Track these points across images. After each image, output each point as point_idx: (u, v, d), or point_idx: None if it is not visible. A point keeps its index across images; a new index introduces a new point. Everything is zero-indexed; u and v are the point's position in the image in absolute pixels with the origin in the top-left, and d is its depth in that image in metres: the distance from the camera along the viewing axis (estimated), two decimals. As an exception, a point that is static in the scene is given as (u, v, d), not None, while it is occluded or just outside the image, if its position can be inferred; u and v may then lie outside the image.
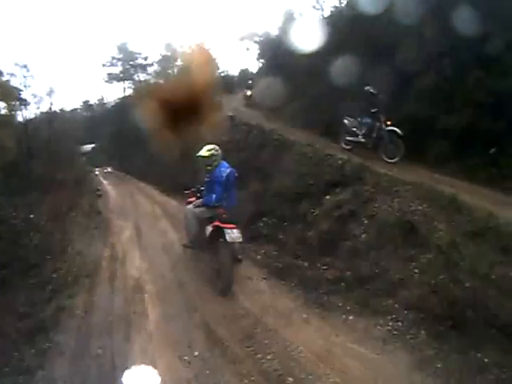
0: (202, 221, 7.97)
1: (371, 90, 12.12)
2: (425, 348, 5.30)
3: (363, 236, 7.97)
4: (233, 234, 7.20)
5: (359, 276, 6.94)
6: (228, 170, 7.88)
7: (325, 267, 7.63)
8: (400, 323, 5.82)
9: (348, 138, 12.91)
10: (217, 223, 7.39)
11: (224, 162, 8.03)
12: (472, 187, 9.16)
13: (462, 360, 4.99)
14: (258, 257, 8.77)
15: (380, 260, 7.09)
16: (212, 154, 7.96)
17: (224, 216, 7.41)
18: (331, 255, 7.87)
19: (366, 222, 8.26)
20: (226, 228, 7.24)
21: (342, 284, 6.97)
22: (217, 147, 8.05)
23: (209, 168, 7.96)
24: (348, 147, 12.80)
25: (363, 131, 12.43)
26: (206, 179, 8.08)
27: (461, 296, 5.64)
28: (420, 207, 7.95)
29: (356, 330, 5.88)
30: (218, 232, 7.33)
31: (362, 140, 12.44)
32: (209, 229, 7.61)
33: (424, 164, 10.52)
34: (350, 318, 6.19)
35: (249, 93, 23.71)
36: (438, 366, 4.99)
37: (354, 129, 12.70)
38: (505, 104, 9.41)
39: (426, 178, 9.27)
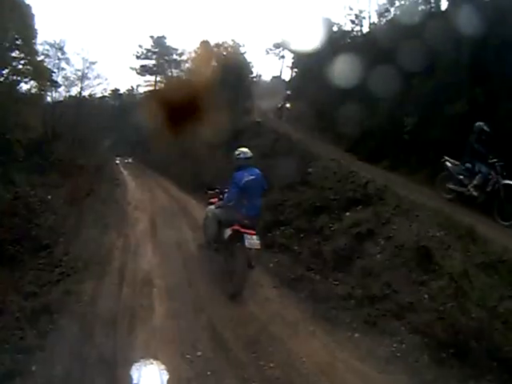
0: (222, 222, 7.93)
1: (485, 128, 9.99)
2: (426, 372, 5.28)
3: (378, 256, 7.91)
4: (252, 240, 7.15)
5: (370, 295, 6.90)
6: (252, 177, 7.62)
7: (336, 282, 7.60)
8: (404, 345, 5.80)
9: (451, 187, 10.61)
10: (237, 227, 7.31)
11: (254, 169, 7.82)
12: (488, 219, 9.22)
13: (460, 388, 4.97)
14: (271, 265, 8.73)
15: (392, 282, 7.03)
16: (252, 157, 7.92)
17: (245, 221, 7.31)
18: (344, 271, 7.84)
19: (382, 242, 8.18)
20: (246, 233, 7.18)
21: (352, 301, 6.92)
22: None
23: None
24: (449, 196, 10.65)
25: (475, 182, 10.01)
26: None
27: (467, 325, 5.60)
28: (438, 234, 7.87)
29: (360, 348, 5.86)
30: (238, 236, 7.27)
31: (473, 193, 10.02)
32: (228, 232, 7.53)
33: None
34: (356, 335, 6.16)
35: (288, 104, 22.28)
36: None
37: (461, 177, 10.35)
38: None
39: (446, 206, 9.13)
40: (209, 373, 5.16)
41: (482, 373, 5.05)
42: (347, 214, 9.42)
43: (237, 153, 7.90)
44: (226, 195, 8.05)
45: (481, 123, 9.99)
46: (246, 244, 7.08)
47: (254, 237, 7.22)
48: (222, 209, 8.09)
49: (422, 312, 6.24)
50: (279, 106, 22.93)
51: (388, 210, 8.98)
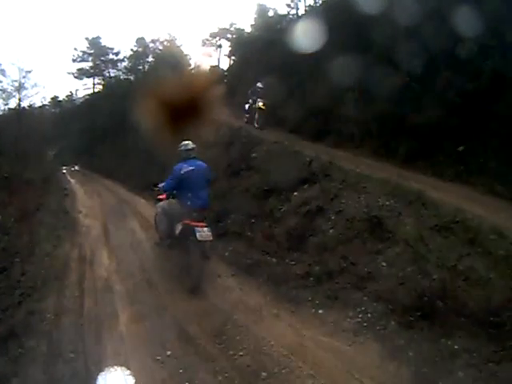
0: (172, 218, 7.96)
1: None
2: (396, 338, 5.41)
3: (330, 231, 8.07)
4: (203, 233, 7.25)
5: (327, 270, 6.99)
6: (191, 168, 7.74)
7: (293, 263, 7.68)
8: (370, 315, 5.91)
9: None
10: (187, 221, 7.40)
11: (197, 161, 7.96)
12: (439, 183, 9.36)
13: (433, 348, 5.12)
14: (226, 254, 8.79)
15: (348, 254, 7.19)
16: (193, 148, 8.02)
17: (194, 214, 7.42)
18: (299, 251, 7.93)
19: (333, 217, 8.36)
20: (197, 226, 7.28)
21: (311, 279, 7.01)
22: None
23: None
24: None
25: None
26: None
27: (429, 287, 5.77)
28: (387, 203, 8.08)
29: (326, 323, 5.97)
30: (189, 230, 7.33)
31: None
32: (179, 226, 7.58)
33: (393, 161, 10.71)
34: (320, 311, 6.27)
35: (260, 103, 17.55)
36: (410, 354, 5.11)
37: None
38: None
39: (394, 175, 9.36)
40: (181, 370, 5.21)
41: (451, 330, 5.21)
42: (295, 193, 9.55)
43: (180, 145, 7.98)
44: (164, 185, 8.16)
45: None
46: (198, 237, 7.18)
47: (205, 229, 7.33)
48: (170, 204, 8.18)
49: (382, 280, 6.38)
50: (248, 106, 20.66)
51: (335, 185, 9.12)
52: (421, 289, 5.80)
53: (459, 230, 6.84)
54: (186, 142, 7.98)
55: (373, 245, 7.16)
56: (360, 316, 5.95)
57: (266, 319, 6.23)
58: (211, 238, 7.44)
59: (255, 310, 6.50)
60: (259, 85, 18.05)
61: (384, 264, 6.68)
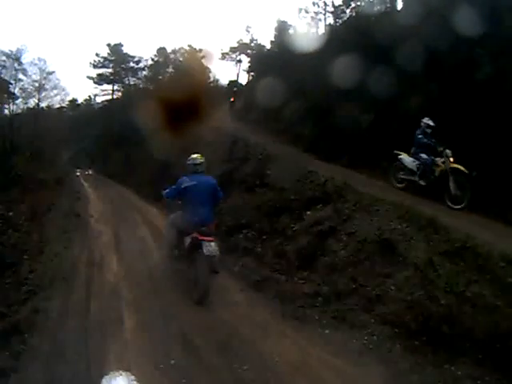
0: (180, 230, 8.00)
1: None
2: (400, 361, 5.40)
3: (342, 252, 8.05)
4: (210, 247, 7.25)
5: (336, 291, 7.04)
6: (193, 183, 7.85)
7: (302, 281, 7.71)
8: (375, 337, 5.92)
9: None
10: (195, 235, 7.42)
11: (203, 176, 8.09)
12: (451, 210, 9.46)
13: (436, 373, 5.10)
14: (236, 269, 8.83)
15: (357, 276, 7.20)
16: (201, 163, 8.12)
17: (203, 228, 7.45)
18: (309, 270, 7.98)
19: (344, 238, 8.34)
20: (204, 240, 7.30)
21: (319, 298, 7.04)
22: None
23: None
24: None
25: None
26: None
27: (436, 312, 5.76)
28: (399, 226, 8.05)
29: (332, 343, 5.94)
30: (196, 244, 7.37)
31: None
32: (187, 240, 7.62)
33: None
34: (327, 331, 6.25)
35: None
36: (414, 378, 5.09)
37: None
38: None
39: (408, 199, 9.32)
40: (184, 380, 5.15)
41: (456, 356, 5.21)
42: (308, 213, 9.56)
43: (188, 159, 8.14)
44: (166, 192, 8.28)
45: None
46: (204, 251, 7.19)
47: (213, 243, 7.33)
48: (179, 216, 8.21)
49: (390, 303, 6.39)
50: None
51: (348, 206, 9.14)
52: (428, 313, 5.80)
53: (469, 255, 6.82)
54: (195, 156, 8.15)
55: (383, 267, 7.17)
56: (366, 338, 5.96)
57: (272, 335, 6.20)
58: (218, 253, 7.39)
59: (262, 325, 6.49)
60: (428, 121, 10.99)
61: (393, 288, 6.67)
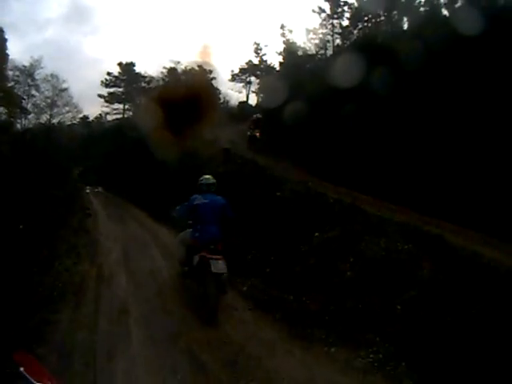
0: (189, 248, 8.18)
1: None
2: (404, 380, 5.41)
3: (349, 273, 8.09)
4: (218, 265, 7.38)
5: (343, 310, 7.06)
6: (204, 201, 8.07)
7: (309, 301, 7.72)
8: (381, 355, 5.92)
9: None
10: (203, 253, 7.56)
11: (214, 195, 8.26)
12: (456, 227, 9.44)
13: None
14: (245, 288, 8.85)
15: (364, 295, 7.26)
16: (213, 183, 8.40)
17: (212, 246, 7.60)
18: (316, 290, 7.97)
19: (352, 259, 8.39)
20: (212, 259, 7.43)
21: (326, 317, 7.04)
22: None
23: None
24: None
25: None
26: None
27: (441, 332, 5.82)
28: (406, 246, 8.13)
29: (338, 361, 5.96)
30: (205, 262, 7.48)
31: None
32: (196, 258, 7.74)
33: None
34: (333, 349, 6.26)
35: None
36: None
37: None
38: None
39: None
40: (190, 396, 5.24)
41: (462, 376, 5.16)
42: (316, 234, 9.61)
43: (200, 179, 8.41)
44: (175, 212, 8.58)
45: None
46: (212, 269, 7.31)
47: (220, 262, 7.47)
48: (187, 234, 8.47)
49: (396, 322, 6.43)
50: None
51: (356, 227, 9.20)
52: (433, 333, 5.85)
53: (476, 274, 6.87)
54: (208, 177, 8.45)
55: (389, 287, 7.22)
56: (371, 356, 5.96)
57: (278, 354, 6.22)
58: (226, 271, 7.52)
59: (269, 344, 6.50)
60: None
61: (399, 307, 6.73)
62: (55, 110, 29.68)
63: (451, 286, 6.68)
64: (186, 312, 7.87)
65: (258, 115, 22.93)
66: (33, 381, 2.17)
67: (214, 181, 8.41)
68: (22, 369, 2.23)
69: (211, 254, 7.51)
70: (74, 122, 36.63)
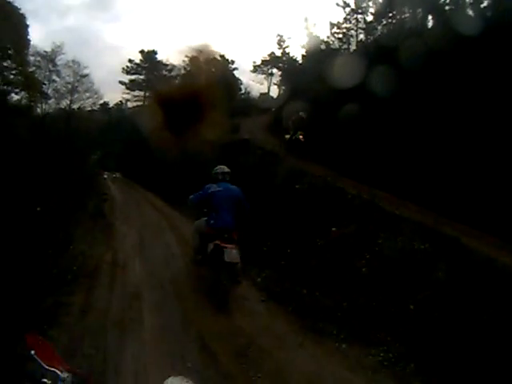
0: (204, 236, 8.16)
1: None
2: (413, 380, 5.38)
3: (364, 269, 8.03)
4: (231, 255, 7.39)
5: (356, 307, 7.02)
6: (219, 189, 8.16)
7: (323, 296, 7.66)
8: (391, 355, 5.88)
9: None
10: (217, 241, 7.57)
11: (228, 184, 8.35)
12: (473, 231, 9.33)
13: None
14: (259, 280, 8.84)
15: (378, 293, 7.21)
16: (229, 172, 8.50)
17: (226, 235, 7.65)
18: (331, 284, 7.91)
19: (368, 256, 8.33)
20: (226, 247, 7.45)
21: (339, 313, 6.98)
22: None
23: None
24: None
25: None
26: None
27: (453, 334, 5.76)
28: (422, 246, 8.07)
29: (348, 358, 5.93)
30: (218, 250, 7.49)
31: None
32: (210, 246, 7.71)
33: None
34: (343, 346, 6.22)
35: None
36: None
37: None
38: None
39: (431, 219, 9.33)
40: (199, 384, 5.21)
41: (471, 378, 5.13)
42: (333, 228, 9.55)
43: (215, 168, 8.54)
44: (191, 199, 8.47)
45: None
46: (226, 258, 7.33)
47: (234, 251, 7.48)
48: (202, 222, 8.40)
49: (408, 322, 6.36)
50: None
51: (373, 224, 9.14)
52: (445, 336, 5.79)
53: (489, 277, 6.83)
54: (223, 166, 8.54)
55: (403, 286, 7.15)
56: (381, 355, 5.93)
57: (289, 347, 6.19)
58: (238, 261, 7.54)
59: (280, 336, 6.49)
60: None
61: (412, 307, 6.66)
62: (76, 96, 29.81)
63: (465, 289, 6.61)
64: (198, 300, 7.87)
65: (302, 113, 17.80)
66: (43, 364, 2.12)
67: (229, 170, 8.49)
68: (32, 352, 2.18)
69: (225, 242, 7.53)
70: (95, 108, 36.66)
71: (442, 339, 5.75)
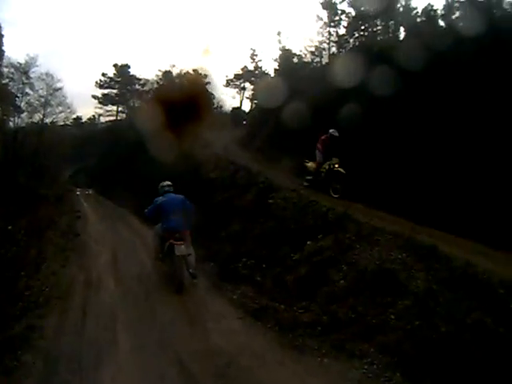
0: (161, 238, 9.95)
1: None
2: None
3: (341, 282, 7.99)
4: (180, 249, 9.25)
5: (336, 320, 6.93)
6: (164, 199, 10.15)
7: (301, 311, 7.59)
8: (375, 366, 5.81)
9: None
10: (171, 240, 9.40)
11: (173, 194, 10.33)
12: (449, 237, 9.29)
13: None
14: (235, 297, 8.74)
15: (357, 305, 7.12)
16: (170, 185, 10.58)
17: (177, 235, 9.43)
18: (308, 299, 7.86)
19: (344, 268, 8.29)
20: (176, 244, 9.27)
21: (319, 328, 6.90)
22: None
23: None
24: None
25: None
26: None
27: (437, 341, 5.71)
28: (399, 256, 8.07)
29: (331, 373, 5.82)
30: (171, 247, 9.34)
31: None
32: (166, 244, 9.56)
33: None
34: (325, 360, 6.13)
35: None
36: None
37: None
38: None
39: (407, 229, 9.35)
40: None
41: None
42: (308, 242, 9.53)
43: (161, 184, 10.67)
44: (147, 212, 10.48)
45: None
46: (176, 252, 9.21)
47: (182, 246, 9.32)
48: (159, 227, 10.20)
49: (390, 332, 6.29)
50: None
51: (349, 236, 9.13)
52: (428, 342, 5.76)
53: (469, 283, 6.80)
54: (165, 183, 10.64)
55: (383, 297, 7.09)
56: (365, 367, 5.84)
57: (270, 365, 6.08)
58: (190, 252, 9.52)
59: (260, 354, 6.35)
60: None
61: (392, 317, 6.60)
62: (48, 110, 29.45)
63: (445, 296, 6.60)
64: (174, 318, 7.82)
65: (333, 131, 13.83)
66: None
67: (171, 183, 10.62)
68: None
69: (176, 240, 9.34)
70: (67, 122, 36.32)
71: (426, 346, 5.70)
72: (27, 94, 28.46)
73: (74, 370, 5.89)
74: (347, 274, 8.08)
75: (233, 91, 47.82)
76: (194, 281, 9.48)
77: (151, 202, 10.41)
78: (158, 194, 10.48)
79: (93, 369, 5.97)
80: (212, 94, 36.06)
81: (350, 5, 33.03)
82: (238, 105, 46.11)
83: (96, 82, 47.24)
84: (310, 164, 14.49)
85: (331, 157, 13.56)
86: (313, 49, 34.42)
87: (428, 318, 6.20)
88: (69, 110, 32.49)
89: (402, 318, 6.44)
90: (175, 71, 39.85)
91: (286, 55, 34.94)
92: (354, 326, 6.71)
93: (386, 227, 9.38)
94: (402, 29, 28.73)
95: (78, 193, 29.82)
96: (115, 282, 10.10)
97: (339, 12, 34.00)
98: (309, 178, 14.29)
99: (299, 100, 18.60)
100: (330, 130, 13.82)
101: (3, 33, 24.97)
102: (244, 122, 27.90)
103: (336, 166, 13.27)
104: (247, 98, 47.31)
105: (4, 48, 25.70)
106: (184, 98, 17.95)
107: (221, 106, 41.18)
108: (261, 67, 46.73)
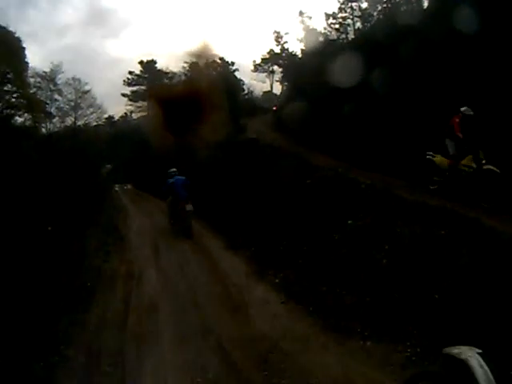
0: (173, 206, 14.43)
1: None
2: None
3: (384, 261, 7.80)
4: (189, 206, 13.61)
5: (379, 302, 6.75)
6: (172, 180, 14.55)
7: (344, 292, 7.43)
8: (419, 349, 5.62)
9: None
10: (181, 203, 13.76)
11: (178, 176, 14.66)
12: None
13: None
14: (277, 280, 8.67)
15: (400, 286, 6.90)
16: (175, 171, 15.03)
17: (183, 202, 13.68)
18: (351, 280, 7.66)
19: (387, 247, 8.09)
20: (186, 205, 13.61)
21: (361, 309, 6.75)
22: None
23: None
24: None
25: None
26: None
27: (484, 323, 5.44)
28: (443, 232, 7.82)
29: (374, 356, 5.70)
30: (182, 207, 13.65)
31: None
32: (177, 207, 13.97)
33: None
34: (368, 343, 5.99)
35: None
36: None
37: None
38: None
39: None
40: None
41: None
42: (349, 221, 9.36)
43: (169, 170, 15.05)
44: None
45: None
46: (187, 208, 13.50)
47: (190, 205, 13.65)
48: (170, 199, 14.67)
49: (433, 314, 6.06)
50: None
51: (389, 213, 8.92)
52: (474, 324, 5.48)
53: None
54: (172, 169, 15.05)
55: (426, 276, 6.85)
56: (409, 350, 5.66)
57: (312, 349, 5.98)
58: (192, 209, 13.61)
59: (302, 338, 6.27)
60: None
61: (437, 296, 6.37)
62: (79, 112, 29.78)
63: (489, 272, 6.34)
64: (216, 307, 7.80)
65: (466, 109, 10.44)
66: None
67: (176, 169, 15.03)
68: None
69: (183, 203, 13.63)
70: (100, 122, 36.57)
71: (471, 325, 5.49)
72: (56, 99, 28.80)
73: (116, 363, 5.90)
74: (389, 253, 7.86)
75: (262, 75, 47.49)
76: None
77: (165, 183, 14.70)
78: (168, 177, 14.78)
79: (135, 360, 6.01)
80: (241, 80, 35.92)
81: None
82: (269, 88, 45.91)
83: (124, 81, 47.43)
84: (440, 159, 11.04)
85: (466, 146, 10.28)
86: (337, 26, 33.94)
87: (474, 296, 5.94)
88: (99, 111, 32.79)
89: (447, 299, 6.20)
90: (201, 62, 39.87)
91: (311, 33, 34.54)
92: (397, 306, 6.50)
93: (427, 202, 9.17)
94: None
95: (116, 188, 30.09)
96: (156, 273, 10.16)
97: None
98: (437, 179, 11.04)
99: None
100: (462, 109, 10.38)
101: (24, 45, 25.24)
102: (274, 108, 27.54)
103: (483, 162, 9.88)
104: (277, 81, 47.01)
105: (27, 60, 26.02)
106: (211, 88, 17.98)
107: (251, 92, 40.94)
108: (287, 49, 46.33)
